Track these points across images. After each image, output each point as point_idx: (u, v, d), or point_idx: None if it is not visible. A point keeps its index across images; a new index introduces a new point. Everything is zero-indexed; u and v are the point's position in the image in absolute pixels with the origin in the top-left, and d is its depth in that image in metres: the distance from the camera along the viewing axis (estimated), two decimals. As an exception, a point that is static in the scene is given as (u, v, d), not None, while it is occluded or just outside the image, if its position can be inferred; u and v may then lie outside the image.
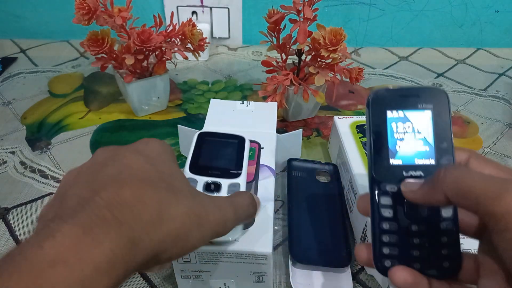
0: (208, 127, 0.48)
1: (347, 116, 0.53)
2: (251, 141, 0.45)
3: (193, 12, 0.83)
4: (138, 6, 0.81)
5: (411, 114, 0.29)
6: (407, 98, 0.29)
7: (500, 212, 0.20)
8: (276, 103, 0.53)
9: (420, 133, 0.29)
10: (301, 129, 0.53)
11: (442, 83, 0.76)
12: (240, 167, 0.37)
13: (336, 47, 0.52)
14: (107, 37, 0.56)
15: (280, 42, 0.58)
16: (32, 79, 0.74)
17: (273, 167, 0.43)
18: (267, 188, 0.40)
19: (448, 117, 0.29)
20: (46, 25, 0.87)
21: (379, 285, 0.39)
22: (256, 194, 0.39)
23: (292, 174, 0.50)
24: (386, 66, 0.81)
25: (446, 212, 0.28)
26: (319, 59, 0.56)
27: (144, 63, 0.59)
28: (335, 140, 0.52)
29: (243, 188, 0.35)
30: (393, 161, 0.28)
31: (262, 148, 0.45)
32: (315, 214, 0.45)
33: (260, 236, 0.35)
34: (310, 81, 0.58)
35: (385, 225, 0.28)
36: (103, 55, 0.57)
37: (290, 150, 0.54)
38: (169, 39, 0.58)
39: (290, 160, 0.52)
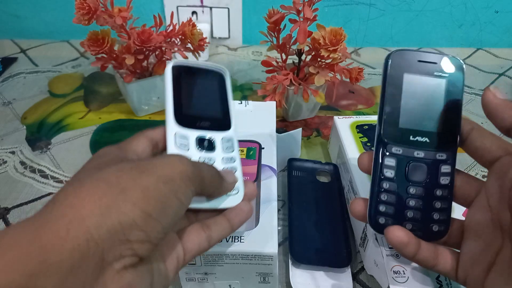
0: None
1: (347, 116, 0.53)
2: (252, 142, 0.45)
3: (193, 12, 0.83)
4: (138, 6, 0.81)
5: (426, 80, 0.29)
6: (426, 64, 0.29)
7: None
8: (275, 102, 0.53)
9: (432, 100, 0.29)
10: (301, 129, 0.53)
11: (442, 83, 0.76)
12: (227, 114, 0.33)
13: (336, 47, 0.52)
14: (107, 37, 0.56)
15: (280, 42, 0.58)
16: (32, 79, 0.74)
17: (275, 166, 0.43)
18: (270, 188, 0.40)
19: (461, 88, 0.29)
20: (46, 25, 0.87)
21: (379, 285, 0.39)
22: (259, 195, 0.39)
23: (293, 174, 0.50)
24: (386, 66, 0.81)
25: (444, 180, 0.29)
26: (319, 59, 0.56)
27: (144, 63, 0.60)
28: (335, 140, 0.52)
29: (236, 141, 0.33)
30: (402, 124, 0.29)
31: (263, 148, 0.45)
32: (315, 214, 0.45)
33: (265, 237, 0.35)
34: (310, 81, 0.58)
35: (385, 185, 0.29)
36: (103, 55, 0.57)
37: (289, 150, 0.54)
38: (169, 39, 0.58)
39: (290, 160, 0.52)
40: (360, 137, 0.49)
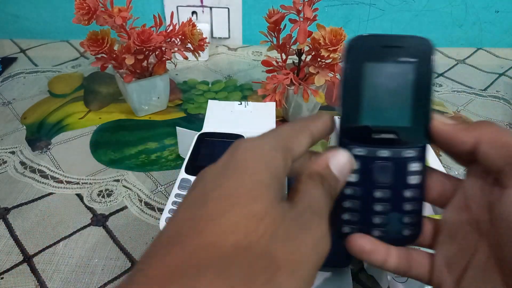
0: (207, 129, 0.48)
1: (347, 116, 0.53)
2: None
3: (193, 12, 0.83)
4: (138, 6, 0.81)
5: (391, 67, 0.26)
6: (390, 49, 0.26)
7: None
8: (274, 103, 0.53)
9: (397, 90, 0.26)
10: (301, 129, 0.53)
11: (442, 83, 0.76)
12: None
13: (336, 47, 0.52)
14: (107, 37, 0.56)
15: (280, 42, 0.58)
16: (32, 79, 0.74)
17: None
18: None
19: (431, 74, 0.26)
20: (46, 25, 0.87)
21: (379, 285, 0.39)
22: None
23: (292, 174, 0.50)
24: (386, 66, 0.81)
25: (414, 179, 0.26)
26: (319, 59, 0.56)
27: (144, 63, 0.59)
28: (335, 140, 0.52)
29: None
30: (364, 121, 0.26)
31: (262, 148, 0.45)
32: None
33: None
34: (310, 81, 0.58)
35: (348, 190, 0.26)
36: (103, 55, 0.57)
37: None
38: (169, 39, 0.58)
39: (290, 160, 0.52)
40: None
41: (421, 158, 0.27)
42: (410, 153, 0.26)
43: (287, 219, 0.21)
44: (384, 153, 0.26)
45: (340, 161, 0.25)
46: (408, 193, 0.26)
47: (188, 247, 0.19)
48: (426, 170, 0.27)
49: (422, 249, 0.28)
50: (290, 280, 0.19)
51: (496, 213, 0.24)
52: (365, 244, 0.26)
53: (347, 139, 0.26)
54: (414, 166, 0.26)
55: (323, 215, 0.23)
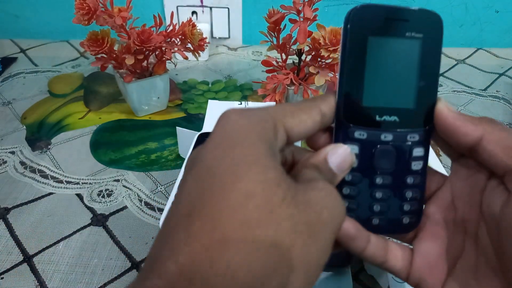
0: (207, 129, 0.48)
1: (347, 116, 0.53)
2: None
3: (193, 12, 0.83)
4: (138, 6, 0.81)
5: (396, 43, 0.24)
6: (395, 22, 0.23)
7: None
8: (274, 103, 0.53)
9: (403, 68, 0.24)
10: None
11: (442, 83, 0.76)
12: None
13: (336, 47, 0.52)
14: (107, 37, 0.56)
15: (280, 42, 0.58)
16: (32, 79, 0.74)
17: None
18: None
19: (439, 50, 0.24)
20: (46, 25, 0.87)
21: (379, 285, 0.39)
22: None
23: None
24: (386, 66, 0.81)
25: (417, 165, 0.25)
26: (319, 59, 0.56)
27: (144, 63, 0.60)
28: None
29: None
30: (366, 102, 0.24)
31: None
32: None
33: None
34: (310, 81, 0.58)
35: (347, 176, 0.24)
36: (103, 55, 0.57)
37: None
38: (169, 39, 0.58)
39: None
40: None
41: (425, 142, 0.25)
42: (414, 137, 0.24)
43: (299, 187, 0.20)
44: (387, 136, 0.24)
45: (339, 157, 0.23)
46: (410, 180, 0.25)
47: (208, 221, 0.18)
48: (428, 155, 0.25)
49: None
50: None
51: (498, 219, 0.22)
52: (350, 229, 0.24)
53: (346, 121, 0.24)
54: (418, 151, 0.24)
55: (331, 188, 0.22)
